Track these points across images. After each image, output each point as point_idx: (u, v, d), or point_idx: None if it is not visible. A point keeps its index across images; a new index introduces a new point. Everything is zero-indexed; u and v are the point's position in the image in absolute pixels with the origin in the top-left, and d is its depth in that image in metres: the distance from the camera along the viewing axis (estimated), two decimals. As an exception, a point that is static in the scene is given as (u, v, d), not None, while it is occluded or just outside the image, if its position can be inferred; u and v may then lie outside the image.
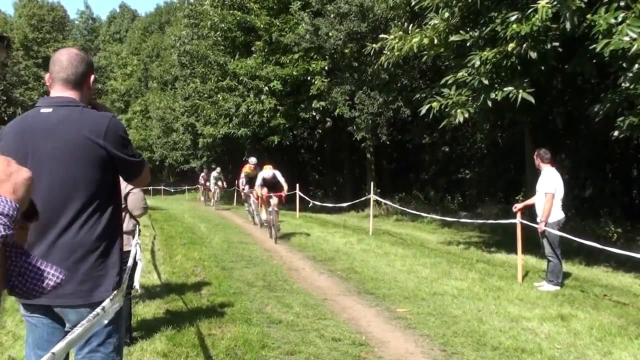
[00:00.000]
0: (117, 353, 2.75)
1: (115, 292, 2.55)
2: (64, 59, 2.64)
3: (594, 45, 7.79)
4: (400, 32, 11.00)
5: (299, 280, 8.07)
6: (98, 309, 2.27)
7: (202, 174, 30.67)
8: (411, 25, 11.13)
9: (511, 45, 8.78)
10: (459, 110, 9.86)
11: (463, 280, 8.02)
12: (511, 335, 5.40)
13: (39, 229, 2.49)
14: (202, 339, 5.03)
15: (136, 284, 5.11)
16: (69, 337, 1.99)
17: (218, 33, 24.85)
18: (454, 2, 9.81)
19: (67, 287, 2.50)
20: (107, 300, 2.41)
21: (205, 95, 27.59)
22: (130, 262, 3.79)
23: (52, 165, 2.49)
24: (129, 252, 4.45)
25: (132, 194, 4.80)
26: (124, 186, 4.75)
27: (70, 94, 2.62)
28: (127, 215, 4.85)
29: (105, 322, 2.46)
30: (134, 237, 4.88)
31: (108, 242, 2.64)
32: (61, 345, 1.89)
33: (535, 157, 8.13)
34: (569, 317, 6.09)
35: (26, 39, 55.97)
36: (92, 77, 2.76)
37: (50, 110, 2.55)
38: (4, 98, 38.54)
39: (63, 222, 2.50)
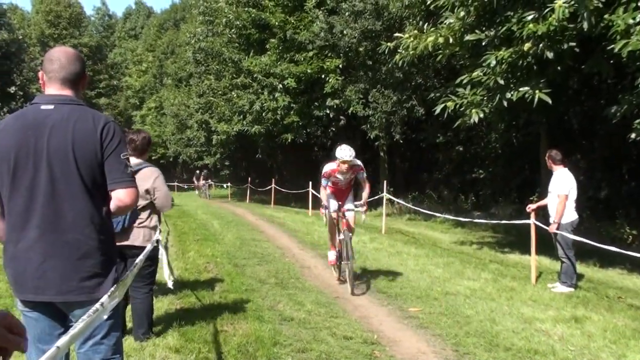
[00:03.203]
0: (119, 345, 2.82)
1: (113, 288, 2.58)
2: (63, 57, 2.65)
3: (611, 46, 7.71)
4: (415, 31, 10.96)
5: (311, 278, 8.08)
6: (97, 305, 2.30)
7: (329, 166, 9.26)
8: (426, 24, 11.10)
9: (527, 45, 8.72)
10: (473, 110, 9.81)
11: (476, 281, 7.99)
12: (524, 337, 5.37)
13: (42, 226, 2.51)
14: (214, 335, 5.05)
15: (168, 282, 5.17)
16: (72, 331, 2.01)
17: (233, 30, 24.91)
18: (470, 1, 9.74)
19: (72, 283, 2.53)
20: (106, 296, 2.43)
21: (220, 92, 27.69)
22: (140, 258, 3.81)
23: (57, 162, 2.51)
24: (146, 247, 4.51)
25: (158, 191, 4.85)
26: (151, 183, 4.81)
27: (68, 92, 2.64)
28: (149, 212, 4.89)
29: (105, 317, 2.50)
30: (156, 232, 4.93)
31: (109, 238, 2.69)
32: (65, 339, 1.91)
33: (546, 159, 8.07)
34: (582, 319, 6.05)
35: (43, 34, 56.43)
36: (87, 77, 2.79)
37: (51, 107, 2.56)
38: (21, 93, 38.88)
39: (68, 219, 2.52)
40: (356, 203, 7.66)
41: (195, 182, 34.60)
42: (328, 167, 7.29)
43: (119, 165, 2.60)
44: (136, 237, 4.68)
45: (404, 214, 19.16)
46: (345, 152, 7.01)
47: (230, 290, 6.94)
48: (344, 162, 7.00)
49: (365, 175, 7.54)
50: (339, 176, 7.31)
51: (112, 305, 2.54)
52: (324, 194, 7.49)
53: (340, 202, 7.58)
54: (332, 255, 7.89)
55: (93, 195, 2.57)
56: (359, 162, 7.32)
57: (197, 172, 35.04)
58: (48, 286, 2.52)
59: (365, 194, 7.68)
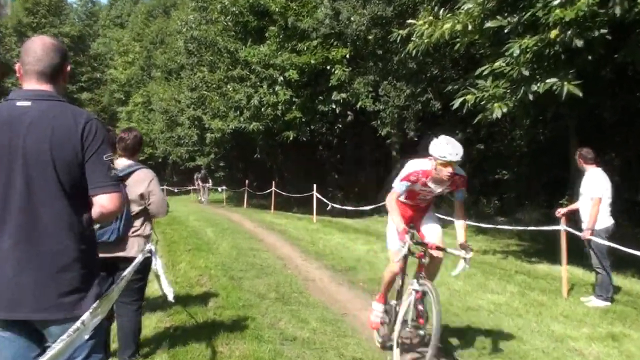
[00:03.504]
0: None
1: (95, 304, 2.55)
2: (39, 49, 2.64)
3: (648, 32, 7.68)
4: (430, 17, 10.92)
5: (316, 293, 8.04)
6: (78, 323, 2.27)
7: None
8: (442, 9, 11.04)
9: (554, 32, 8.67)
10: (496, 104, 9.76)
11: (500, 294, 7.94)
12: (555, 357, 5.34)
13: (16, 234, 2.49)
14: (207, 357, 5.02)
15: (168, 295, 5.14)
16: (50, 352, 1.99)
17: (228, 17, 24.91)
18: (491, -17, 9.72)
19: (49, 299, 2.51)
20: (87, 314, 2.41)
21: (214, 86, 27.70)
22: (128, 270, 3.79)
23: (34, 163, 2.50)
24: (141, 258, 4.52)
25: (153, 195, 4.84)
26: (145, 186, 4.79)
27: (47, 87, 2.64)
28: (143, 219, 4.87)
29: (86, 337, 2.47)
30: (149, 241, 4.91)
31: (90, 248, 2.66)
32: None
33: (577, 157, 8.03)
34: (620, 337, 6.00)
35: (20, 23, 56.69)
36: (68, 68, 2.78)
37: (28, 103, 2.56)
38: (-5, 88, 39.04)
39: (45, 227, 2.51)
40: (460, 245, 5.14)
41: (197, 184, 34.17)
42: (417, 166, 5.13)
43: (101, 167, 2.60)
44: (131, 247, 4.67)
45: (418, 220, 19.10)
46: (452, 148, 4.80)
47: (225, 306, 6.92)
48: (446, 164, 4.79)
49: (465, 194, 5.39)
50: (431, 185, 5.11)
51: (95, 323, 2.53)
52: (396, 208, 5.16)
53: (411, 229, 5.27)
54: (378, 310, 5.65)
55: (73, 200, 2.56)
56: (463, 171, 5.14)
57: (197, 173, 34.65)
58: (23, 302, 2.50)
59: (462, 226, 5.30)
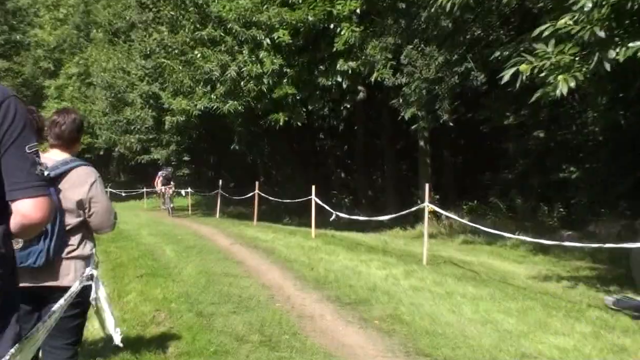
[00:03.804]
0: None
1: (13, 349, 2.54)
2: None
3: None
4: (472, -43, 10.96)
5: (314, 334, 8.05)
6: None
7: None
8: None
9: (640, -21, 8.69)
10: (560, 77, 9.76)
11: (568, 336, 7.94)
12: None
13: None
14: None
15: (114, 336, 5.09)
16: None
17: (196, -43, 24.99)
18: None
19: None
20: None
21: (176, 52, 27.72)
22: (60, 303, 3.77)
23: None
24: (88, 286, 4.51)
25: (95, 203, 4.74)
26: (85, 191, 4.73)
27: None
28: (81, 235, 4.81)
29: None
30: (90, 263, 4.86)
31: (6, 274, 2.63)
32: None
33: None
34: None
35: None
36: None
37: None
38: None
39: None
40: None
41: (158, 186, 33.46)
42: None
43: (22, 162, 2.56)
44: (65, 274, 4.59)
45: (455, 235, 19.14)
46: None
47: (191, 353, 6.92)
48: None
49: None
50: None
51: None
52: None
53: None
54: None
55: None
56: None
57: (162, 172, 33.80)
58: None
59: None
